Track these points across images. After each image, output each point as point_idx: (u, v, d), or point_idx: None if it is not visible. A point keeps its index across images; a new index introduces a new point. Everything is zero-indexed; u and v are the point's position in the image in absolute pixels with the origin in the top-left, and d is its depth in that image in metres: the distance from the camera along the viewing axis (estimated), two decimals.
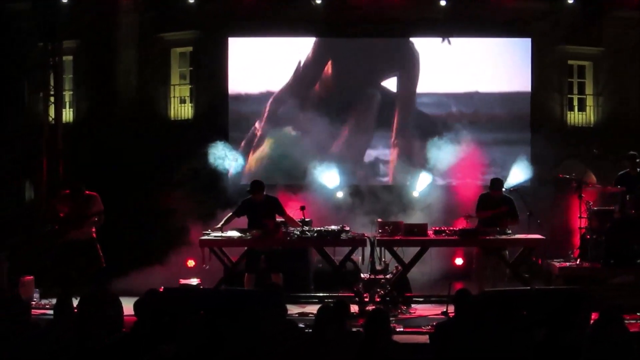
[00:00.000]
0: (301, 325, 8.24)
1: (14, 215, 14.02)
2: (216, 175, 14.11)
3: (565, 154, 14.56)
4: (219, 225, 11.17)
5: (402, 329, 9.58)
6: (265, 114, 14.88)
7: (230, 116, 15.01)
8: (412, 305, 11.14)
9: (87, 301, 6.84)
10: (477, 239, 11.19)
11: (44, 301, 11.53)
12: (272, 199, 11.38)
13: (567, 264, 11.66)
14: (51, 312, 7.52)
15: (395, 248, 11.19)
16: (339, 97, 14.84)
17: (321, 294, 11.84)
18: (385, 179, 14.83)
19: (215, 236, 11.06)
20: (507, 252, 11.40)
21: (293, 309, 10.48)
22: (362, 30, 14.96)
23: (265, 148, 14.76)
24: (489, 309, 7.86)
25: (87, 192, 11.13)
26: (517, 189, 12.35)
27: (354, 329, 7.08)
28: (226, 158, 13.84)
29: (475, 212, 11.62)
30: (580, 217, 12.07)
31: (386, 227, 11.24)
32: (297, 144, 14.33)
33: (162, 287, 9.47)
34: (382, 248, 11.24)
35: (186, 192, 14.14)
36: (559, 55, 15.41)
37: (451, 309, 9.13)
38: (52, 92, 14.37)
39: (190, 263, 12.87)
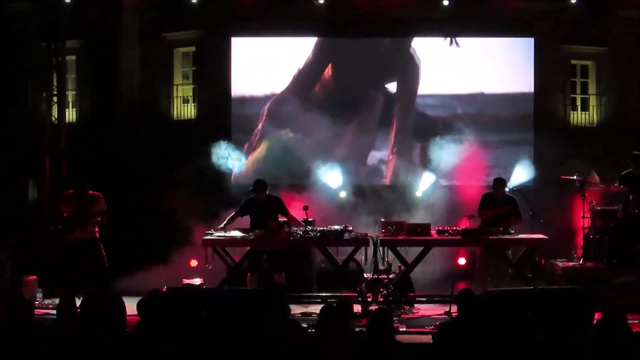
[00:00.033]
0: (304, 325, 8.26)
1: (17, 215, 14.01)
2: (219, 175, 14.11)
3: (568, 153, 14.54)
4: (222, 225, 11.18)
5: (405, 329, 9.58)
6: (268, 115, 14.86)
7: (233, 116, 15.00)
8: (415, 305, 11.15)
9: (90, 301, 6.85)
10: (480, 238, 11.19)
11: (47, 301, 11.53)
12: (275, 198, 11.38)
13: (570, 263, 11.63)
14: (54, 312, 7.50)
15: (398, 248, 11.20)
16: (341, 97, 14.81)
17: (324, 294, 11.85)
18: (388, 179, 14.80)
19: (218, 236, 11.07)
20: (509, 252, 11.40)
21: (296, 309, 10.45)
22: (364, 30, 14.93)
23: (268, 148, 14.74)
24: (492, 308, 7.85)
25: (90, 191, 11.16)
26: (520, 189, 12.34)
27: (357, 329, 7.09)
28: (229, 158, 13.86)
29: (477, 211, 11.63)
30: (584, 217, 12.05)
31: (389, 227, 11.25)
32: (301, 144, 14.35)
33: (165, 287, 9.47)
34: (385, 248, 11.24)
35: (189, 192, 14.12)
36: (561, 55, 15.37)
37: (454, 308, 9.13)
38: (54, 92, 14.38)
39: (193, 263, 12.89)
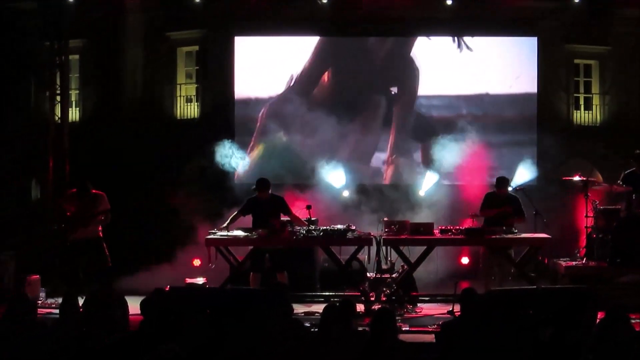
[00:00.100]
0: (307, 324, 8.26)
1: (20, 214, 14.04)
2: (223, 175, 14.10)
3: (571, 152, 14.54)
4: (225, 225, 11.17)
5: (408, 328, 9.59)
6: (270, 114, 14.85)
7: (236, 116, 15.00)
8: (418, 305, 11.13)
9: (93, 301, 6.86)
10: (483, 238, 11.18)
11: (50, 300, 11.52)
12: (278, 197, 11.38)
13: (573, 263, 11.61)
14: (57, 311, 7.51)
15: (401, 247, 11.18)
16: (342, 98, 14.82)
17: (327, 293, 11.84)
18: (388, 179, 14.79)
19: (221, 235, 11.06)
20: (512, 251, 11.39)
21: (299, 308, 10.46)
22: (366, 30, 14.95)
23: (270, 148, 14.73)
24: (495, 308, 7.85)
25: (93, 191, 11.16)
26: (523, 188, 12.33)
27: (360, 328, 7.09)
28: (233, 157, 13.83)
29: (480, 210, 11.62)
30: (587, 216, 12.03)
31: (392, 226, 11.23)
32: (303, 144, 14.34)
33: (169, 286, 9.46)
34: (388, 247, 11.22)
35: (192, 191, 14.15)
36: (565, 54, 15.38)
37: (457, 308, 9.12)
38: (58, 91, 14.36)
39: (197, 262, 12.90)
